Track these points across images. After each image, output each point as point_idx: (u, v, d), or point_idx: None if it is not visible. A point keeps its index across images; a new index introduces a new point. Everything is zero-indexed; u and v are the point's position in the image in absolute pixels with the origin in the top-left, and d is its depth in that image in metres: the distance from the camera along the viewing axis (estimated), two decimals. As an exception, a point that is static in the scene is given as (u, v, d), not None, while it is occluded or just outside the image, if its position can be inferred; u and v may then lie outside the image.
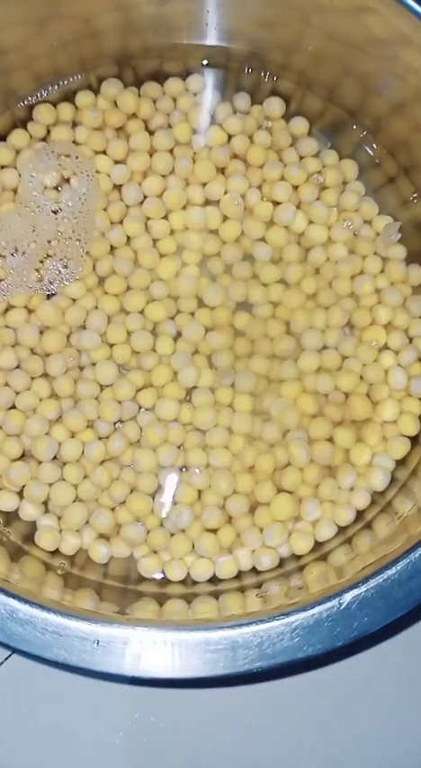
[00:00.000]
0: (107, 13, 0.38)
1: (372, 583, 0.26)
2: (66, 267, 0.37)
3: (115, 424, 0.36)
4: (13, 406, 0.35)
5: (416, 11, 0.32)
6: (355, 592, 0.26)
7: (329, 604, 0.25)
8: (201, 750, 0.36)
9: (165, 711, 0.36)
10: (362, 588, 0.26)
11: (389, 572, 0.26)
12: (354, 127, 0.40)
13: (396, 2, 0.32)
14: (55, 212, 0.37)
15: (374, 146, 0.39)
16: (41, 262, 0.37)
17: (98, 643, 0.25)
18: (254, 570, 0.35)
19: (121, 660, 0.25)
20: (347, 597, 0.25)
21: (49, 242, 0.37)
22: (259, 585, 0.34)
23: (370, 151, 0.40)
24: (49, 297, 0.37)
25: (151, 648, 0.25)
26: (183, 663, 0.25)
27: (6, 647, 0.26)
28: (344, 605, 0.25)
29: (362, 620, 0.25)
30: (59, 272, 0.37)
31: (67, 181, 0.38)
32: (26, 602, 0.26)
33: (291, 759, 0.36)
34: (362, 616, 0.25)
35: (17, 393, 0.36)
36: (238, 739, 0.35)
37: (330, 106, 0.40)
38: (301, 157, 0.39)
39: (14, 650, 0.28)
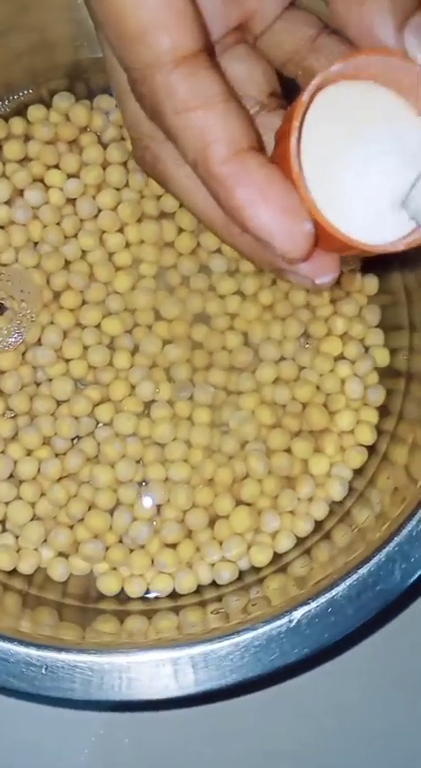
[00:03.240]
0: (62, 25, 0.37)
1: (322, 599, 0.26)
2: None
3: (72, 440, 0.36)
4: (-32, 425, 0.35)
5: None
6: (305, 609, 0.26)
7: (280, 622, 0.25)
8: (166, 765, 0.36)
9: (130, 727, 0.36)
10: (313, 605, 0.26)
11: (339, 588, 0.26)
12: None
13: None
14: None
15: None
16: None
17: (46, 668, 0.24)
18: (214, 584, 0.35)
19: (72, 685, 0.25)
20: (297, 614, 0.25)
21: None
22: (219, 599, 0.34)
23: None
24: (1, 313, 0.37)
25: (100, 673, 0.25)
26: (133, 686, 0.25)
27: None
28: (294, 622, 0.25)
29: (312, 637, 0.25)
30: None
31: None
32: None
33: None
34: (312, 633, 0.25)
35: (-28, 412, 0.35)
36: (201, 754, 0.35)
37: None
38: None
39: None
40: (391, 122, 0.19)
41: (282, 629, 0.25)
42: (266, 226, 0.18)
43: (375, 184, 0.19)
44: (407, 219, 0.19)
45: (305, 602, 0.26)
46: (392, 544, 0.26)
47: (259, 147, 0.19)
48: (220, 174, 0.18)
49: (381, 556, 0.26)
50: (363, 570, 0.26)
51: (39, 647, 0.25)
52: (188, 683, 0.25)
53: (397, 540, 0.27)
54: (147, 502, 0.35)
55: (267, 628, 0.25)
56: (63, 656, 0.25)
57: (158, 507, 0.35)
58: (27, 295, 0.36)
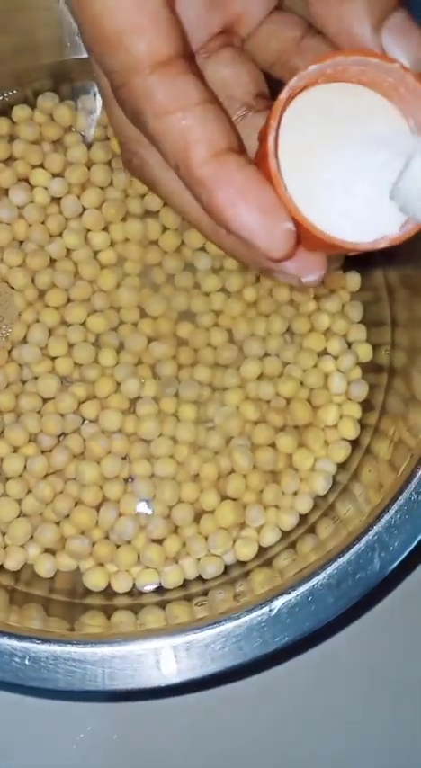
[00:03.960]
0: (45, 26, 0.38)
1: (302, 588, 0.26)
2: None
3: (58, 437, 0.36)
4: None
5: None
6: (286, 598, 0.26)
7: (260, 612, 0.26)
8: (155, 759, 0.36)
9: (118, 722, 0.36)
10: (293, 594, 0.26)
11: (319, 577, 0.26)
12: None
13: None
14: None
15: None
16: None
17: (29, 659, 0.25)
18: (200, 579, 0.35)
19: (55, 676, 0.25)
20: (277, 604, 0.26)
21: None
22: (205, 593, 0.34)
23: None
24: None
25: (82, 664, 0.25)
26: (115, 676, 0.25)
27: None
28: (274, 611, 0.26)
29: (293, 626, 0.26)
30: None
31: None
32: None
33: (243, 764, 0.36)
34: (293, 622, 0.26)
35: (-42, 409, 0.35)
36: (189, 746, 0.35)
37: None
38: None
39: None
40: (373, 121, 0.20)
41: (263, 618, 0.25)
42: (247, 226, 0.18)
43: (358, 182, 0.19)
44: (390, 217, 0.19)
45: (286, 591, 0.26)
46: (371, 533, 0.27)
47: (240, 149, 0.20)
48: (201, 176, 0.19)
49: (361, 545, 0.27)
50: (343, 559, 0.26)
51: (21, 638, 0.25)
52: (171, 673, 0.25)
53: (376, 528, 0.27)
54: (133, 497, 0.35)
55: (248, 617, 0.26)
56: (46, 647, 0.25)
57: (147, 503, 0.35)
58: (4, 311, 0.36)
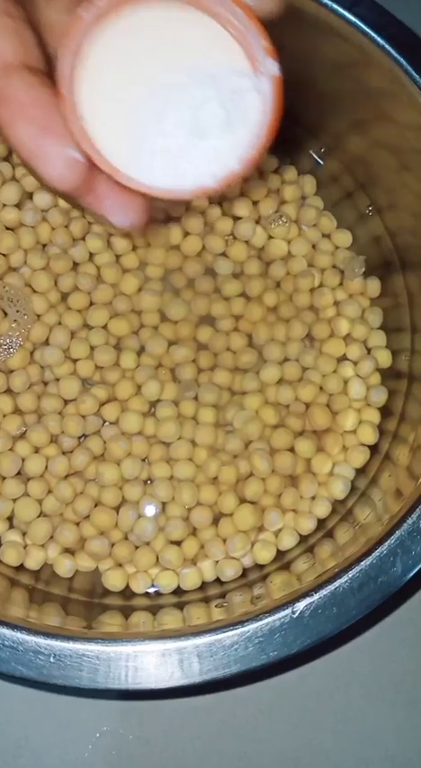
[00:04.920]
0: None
1: (325, 591, 0.26)
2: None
3: (79, 438, 0.36)
4: (-23, 423, 0.36)
5: (366, 31, 0.33)
6: (308, 600, 0.26)
7: (283, 613, 0.26)
8: (170, 760, 0.36)
9: (133, 722, 0.36)
10: (315, 597, 0.26)
11: (341, 580, 0.26)
12: (313, 143, 0.41)
13: (348, 25, 0.33)
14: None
15: (332, 161, 0.40)
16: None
17: (55, 657, 0.25)
18: (217, 581, 0.35)
19: (79, 673, 0.25)
20: (300, 606, 0.26)
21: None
22: (223, 596, 0.34)
23: (328, 167, 0.40)
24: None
25: (107, 662, 0.25)
26: (139, 675, 0.25)
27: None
28: (297, 614, 0.26)
29: (315, 628, 0.26)
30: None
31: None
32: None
33: (258, 766, 0.36)
34: (315, 624, 0.26)
35: (-20, 410, 0.36)
36: (205, 747, 0.36)
37: (288, 123, 0.40)
38: (261, 173, 0.40)
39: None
40: (203, 55, 0.17)
41: (285, 620, 0.26)
42: (26, 145, 0.17)
43: (171, 121, 0.17)
44: (208, 165, 0.17)
45: (308, 594, 0.26)
46: (393, 537, 0.27)
47: (40, 69, 0.18)
48: None
49: (383, 549, 0.27)
50: (365, 563, 0.27)
51: (47, 635, 0.25)
52: (193, 672, 0.25)
53: (398, 533, 0.27)
54: (153, 500, 0.36)
55: (270, 619, 0.26)
56: (71, 644, 0.25)
57: (163, 505, 0.36)
58: (22, 317, 0.37)
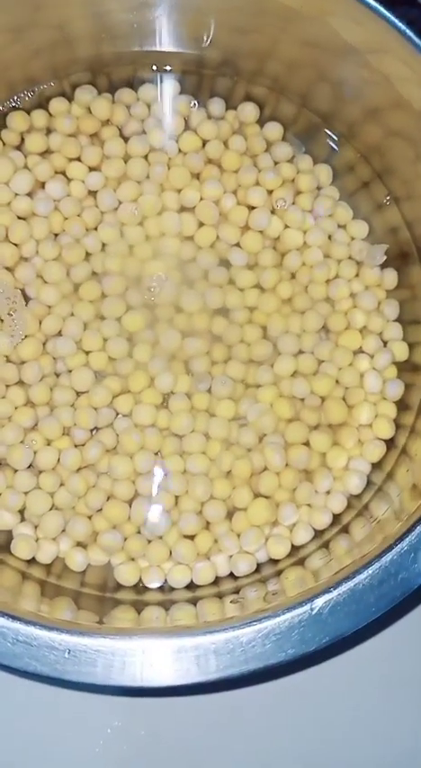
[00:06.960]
0: (82, 20, 0.38)
1: (344, 588, 0.26)
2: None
3: (92, 431, 0.36)
4: (-11, 415, 0.35)
5: (384, 14, 0.32)
6: (327, 597, 0.26)
7: (301, 610, 0.25)
8: (181, 757, 0.36)
9: (145, 718, 0.36)
10: (334, 593, 0.26)
11: (361, 576, 0.26)
12: (328, 132, 0.40)
13: (362, 6, 0.32)
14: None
15: (348, 150, 0.40)
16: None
17: (69, 652, 0.25)
18: (231, 576, 0.35)
19: (93, 669, 0.25)
20: (319, 602, 0.25)
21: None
22: (237, 591, 0.34)
23: (344, 156, 0.40)
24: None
25: (122, 658, 0.25)
26: (154, 671, 0.25)
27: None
28: (315, 610, 0.25)
29: (333, 625, 0.25)
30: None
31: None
32: (-1, 613, 0.25)
33: (269, 765, 0.36)
34: (333, 621, 0.25)
35: (-8, 401, 0.35)
36: (217, 745, 0.35)
37: (304, 111, 0.40)
38: (276, 162, 0.39)
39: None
40: None
41: (303, 616, 0.25)
42: None
43: None
44: None
45: (327, 591, 0.26)
46: (414, 533, 0.26)
47: None
48: None
49: (403, 545, 0.26)
50: (385, 559, 0.26)
51: (61, 631, 0.25)
52: (210, 669, 0.25)
53: (418, 528, 0.27)
54: (166, 493, 0.35)
55: (289, 615, 0.25)
56: (86, 640, 0.25)
57: (176, 498, 0.35)
58: (15, 312, 0.36)
